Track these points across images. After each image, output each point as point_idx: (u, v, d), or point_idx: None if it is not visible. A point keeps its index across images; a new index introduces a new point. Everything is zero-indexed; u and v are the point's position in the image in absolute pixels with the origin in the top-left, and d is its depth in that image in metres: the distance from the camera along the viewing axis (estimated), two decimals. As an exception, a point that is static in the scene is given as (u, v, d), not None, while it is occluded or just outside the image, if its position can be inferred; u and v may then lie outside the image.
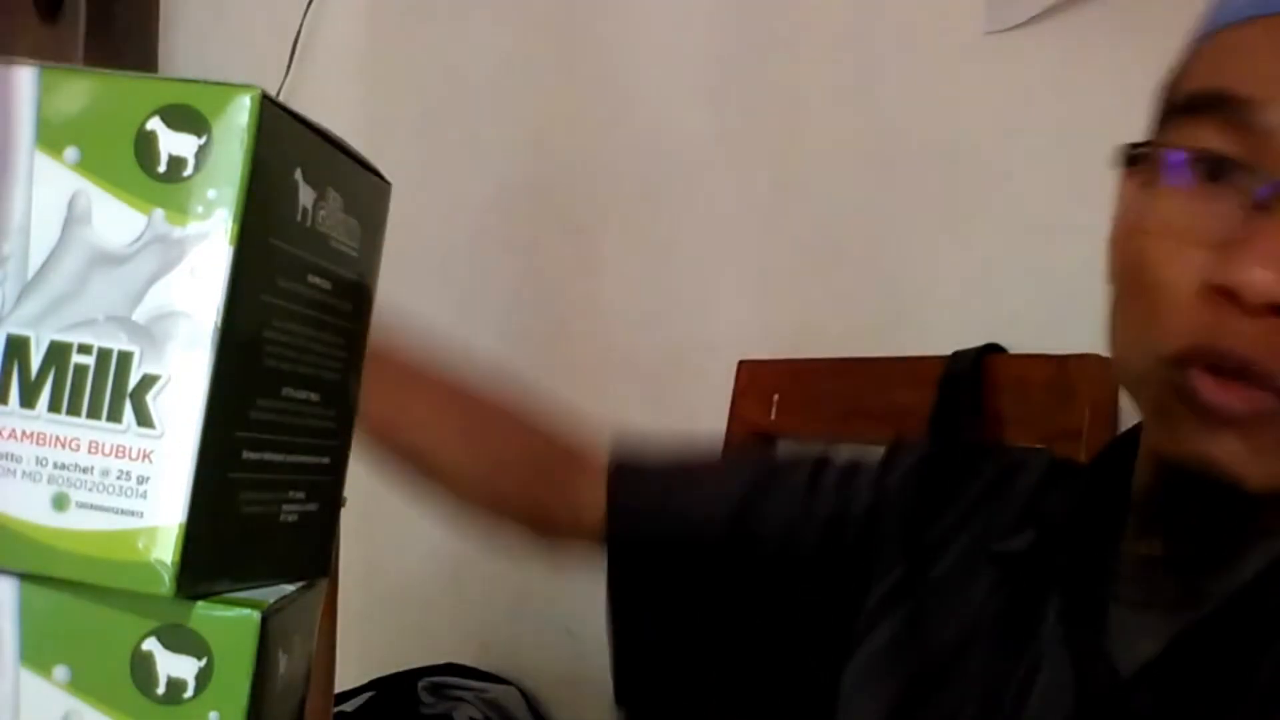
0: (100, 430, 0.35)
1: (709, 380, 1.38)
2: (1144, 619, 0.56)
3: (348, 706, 1.47)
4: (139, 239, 0.36)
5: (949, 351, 1.13)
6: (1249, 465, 0.50)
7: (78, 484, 0.35)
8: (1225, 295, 0.50)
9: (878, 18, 1.28)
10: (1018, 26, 1.15)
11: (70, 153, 0.36)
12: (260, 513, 0.39)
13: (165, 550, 0.35)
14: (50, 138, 0.36)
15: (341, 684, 1.47)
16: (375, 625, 1.74)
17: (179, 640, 0.36)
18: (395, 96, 1.81)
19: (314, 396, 0.41)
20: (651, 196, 1.52)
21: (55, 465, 0.36)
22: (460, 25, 1.75)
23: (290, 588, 0.40)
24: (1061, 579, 0.60)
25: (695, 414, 1.43)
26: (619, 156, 1.55)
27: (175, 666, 0.36)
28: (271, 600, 0.37)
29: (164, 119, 0.36)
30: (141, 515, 0.35)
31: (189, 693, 0.36)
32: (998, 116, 1.18)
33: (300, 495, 0.41)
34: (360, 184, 0.43)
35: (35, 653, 0.36)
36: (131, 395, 0.35)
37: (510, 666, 1.62)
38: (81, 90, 0.36)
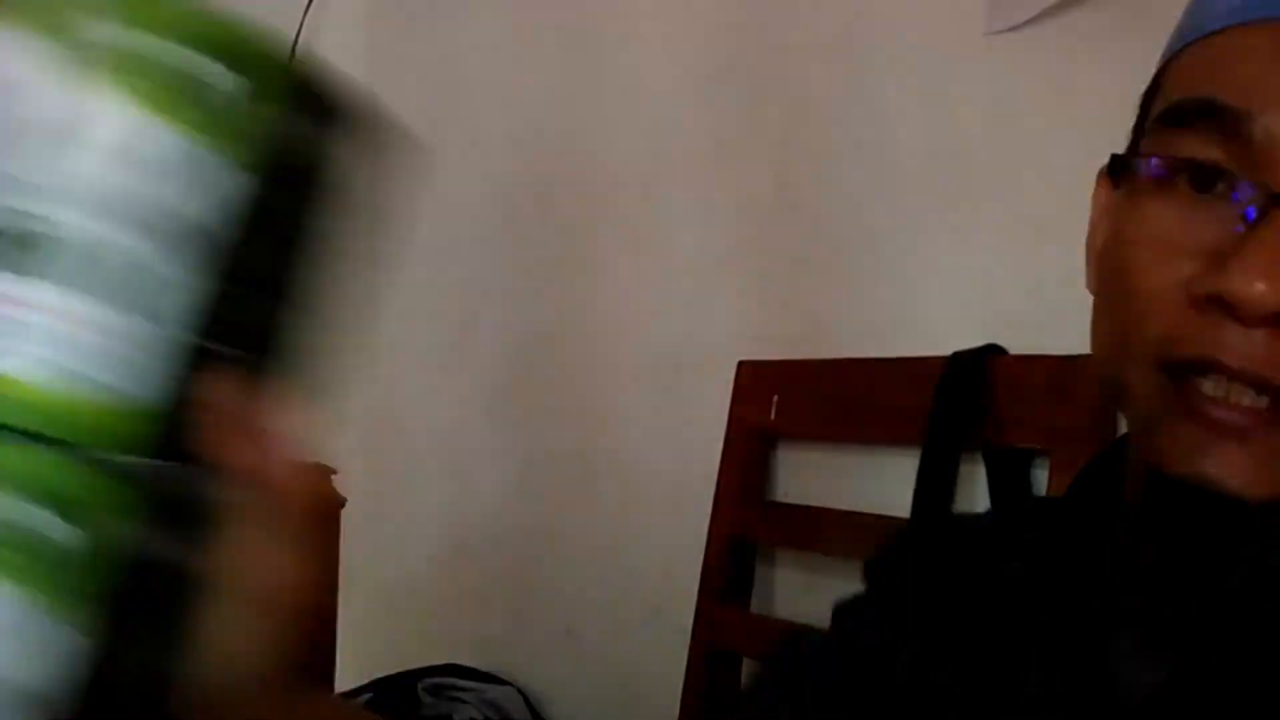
0: None
1: (709, 380, 1.38)
2: (1146, 643, 0.55)
3: (348, 706, 1.47)
4: None
5: (949, 351, 1.13)
6: (1250, 477, 0.49)
7: None
8: (1219, 305, 0.49)
9: (877, 18, 1.28)
10: (1018, 26, 1.15)
11: None
12: None
13: None
14: None
15: (341, 684, 1.47)
16: (375, 625, 1.74)
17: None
18: (395, 96, 1.81)
19: None
20: (651, 196, 1.52)
21: None
22: (460, 25, 1.75)
23: None
24: (1055, 607, 0.59)
25: (695, 414, 1.43)
26: (618, 156, 1.55)
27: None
28: None
29: None
30: None
31: None
32: (998, 116, 1.18)
33: None
34: None
35: None
36: None
37: (510, 666, 1.62)
38: None
